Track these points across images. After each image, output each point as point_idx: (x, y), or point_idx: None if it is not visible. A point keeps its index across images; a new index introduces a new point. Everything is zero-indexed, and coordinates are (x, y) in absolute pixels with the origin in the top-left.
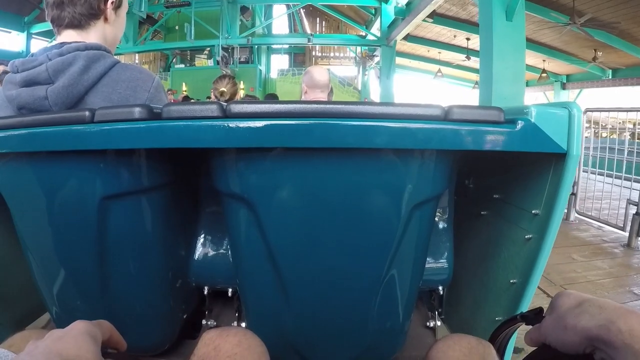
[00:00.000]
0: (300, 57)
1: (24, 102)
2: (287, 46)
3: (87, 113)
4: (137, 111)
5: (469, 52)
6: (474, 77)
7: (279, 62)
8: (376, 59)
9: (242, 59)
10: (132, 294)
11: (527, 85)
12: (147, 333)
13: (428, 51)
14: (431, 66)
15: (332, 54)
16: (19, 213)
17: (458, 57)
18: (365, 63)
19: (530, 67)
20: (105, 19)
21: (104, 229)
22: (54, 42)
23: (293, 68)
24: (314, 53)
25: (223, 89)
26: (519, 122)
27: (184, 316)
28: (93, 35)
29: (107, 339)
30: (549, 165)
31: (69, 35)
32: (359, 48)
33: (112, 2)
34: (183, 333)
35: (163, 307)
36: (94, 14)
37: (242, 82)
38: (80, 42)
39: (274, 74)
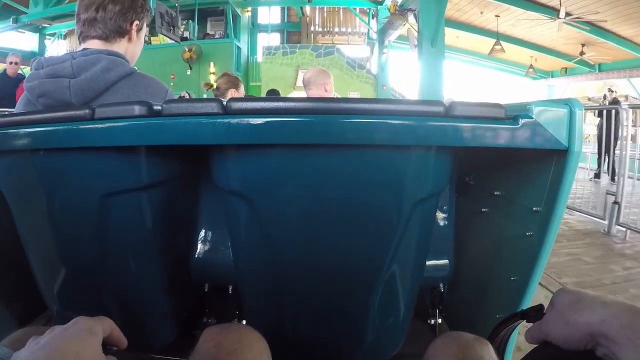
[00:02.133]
0: (295, 37)
1: (45, 90)
2: (278, 20)
3: (86, 110)
4: (137, 108)
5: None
6: (526, 58)
7: (268, 43)
8: (410, 17)
9: (216, 35)
10: (133, 291)
11: (602, 70)
12: (148, 330)
13: (481, 13)
14: (479, 42)
15: (336, 29)
16: (19, 211)
17: (531, 17)
18: (393, 26)
19: (624, 42)
20: (130, 39)
21: (105, 226)
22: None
23: (284, 45)
24: (312, 28)
25: (220, 81)
26: (520, 118)
27: (185, 313)
28: (115, 48)
29: (108, 335)
30: (550, 162)
31: (93, 43)
32: (373, 21)
33: (136, 24)
34: (184, 330)
35: (164, 304)
36: (121, 32)
37: (212, 63)
38: (104, 48)
39: (259, 57)
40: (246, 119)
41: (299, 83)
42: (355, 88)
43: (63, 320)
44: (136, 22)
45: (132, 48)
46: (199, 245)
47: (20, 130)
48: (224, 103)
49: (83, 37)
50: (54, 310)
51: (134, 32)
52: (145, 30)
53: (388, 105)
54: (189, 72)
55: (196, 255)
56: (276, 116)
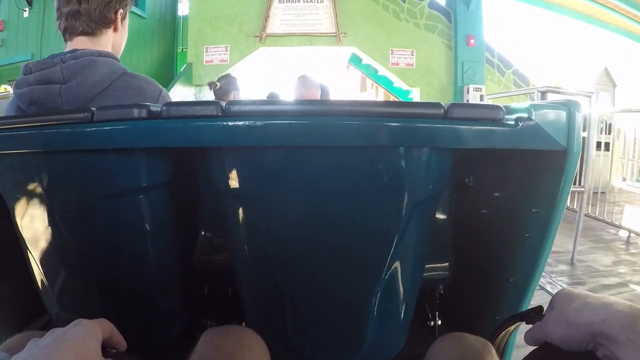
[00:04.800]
0: None
1: (36, 98)
2: None
3: (86, 113)
4: (136, 111)
5: None
6: None
7: None
8: None
9: None
10: (132, 293)
11: None
12: (147, 332)
13: None
14: None
15: None
16: (19, 213)
17: None
18: None
19: None
20: (115, 29)
21: (104, 228)
22: (65, 49)
23: None
24: None
25: (223, 82)
26: (519, 120)
27: (184, 315)
28: (103, 42)
29: (108, 337)
30: (549, 163)
31: (80, 42)
32: None
33: (120, 13)
34: (183, 332)
35: (163, 306)
36: (107, 23)
37: None
38: (93, 49)
39: None
40: (245, 122)
41: (272, 29)
42: (405, 40)
43: (63, 323)
44: (120, 10)
45: (118, 38)
46: (198, 247)
47: (20, 132)
48: (223, 105)
49: (69, 34)
50: (54, 313)
51: (119, 22)
52: (127, 18)
53: (387, 107)
54: (26, 14)
55: (195, 257)
56: (275, 118)
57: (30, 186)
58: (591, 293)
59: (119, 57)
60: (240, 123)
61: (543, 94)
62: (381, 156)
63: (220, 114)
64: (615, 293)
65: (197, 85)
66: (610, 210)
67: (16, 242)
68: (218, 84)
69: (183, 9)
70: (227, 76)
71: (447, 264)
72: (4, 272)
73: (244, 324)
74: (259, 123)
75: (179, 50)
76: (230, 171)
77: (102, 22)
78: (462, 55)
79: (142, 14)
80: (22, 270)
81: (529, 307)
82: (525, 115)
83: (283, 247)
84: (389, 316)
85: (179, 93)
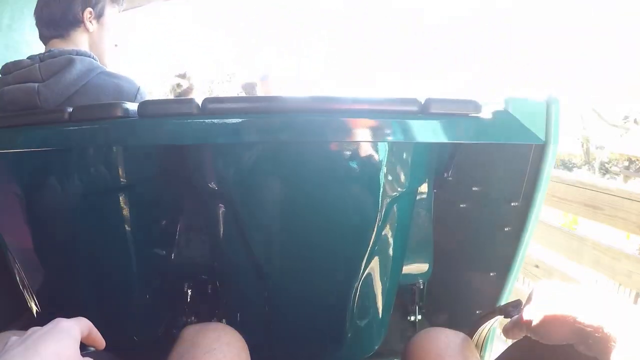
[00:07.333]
0: None
1: (14, 97)
2: None
3: (64, 112)
4: (114, 109)
5: None
6: None
7: None
8: None
9: None
10: (113, 290)
11: None
12: (127, 330)
13: None
14: None
15: None
16: None
17: None
18: None
19: None
20: (86, 29)
21: (85, 227)
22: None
23: None
24: None
25: (184, 81)
26: (497, 113)
27: (164, 313)
28: (76, 42)
29: (86, 336)
30: (528, 156)
31: (54, 44)
32: None
33: (89, 12)
34: (163, 329)
35: (143, 303)
36: (74, 24)
37: None
38: (70, 48)
39: None
40: (222, 119)
41: None
42: None
43: (43, 321)
44: (89, 9)
45: (96, 38)
46: (179, 245)
47: None
48: (200, 103)
49: (43, 39)
50: (34, 312)
51: (87, 22)
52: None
53: (364, 103)
54: None
55: (176, 254)
56: (252, 115)
57: (9, 185)
58: (570, 285)
59: (104, 55)
60: (217, 120)
61: None
62: (359, 151)
63: (196, 111)
64: None
65: None
66: None
67: None
68: (182, 85)
69: None
70: (185, 74)
71: (427, 258)
72: None
73: (224, 320)
74: (235, 120)
75: None
76: (208, 168)
77: (69, 24)
78: None
79: None
80: (3, 269)
81: (508, 301)
82: (503, 109)
83: (262, 244)
84: (369, 311)
85: None
